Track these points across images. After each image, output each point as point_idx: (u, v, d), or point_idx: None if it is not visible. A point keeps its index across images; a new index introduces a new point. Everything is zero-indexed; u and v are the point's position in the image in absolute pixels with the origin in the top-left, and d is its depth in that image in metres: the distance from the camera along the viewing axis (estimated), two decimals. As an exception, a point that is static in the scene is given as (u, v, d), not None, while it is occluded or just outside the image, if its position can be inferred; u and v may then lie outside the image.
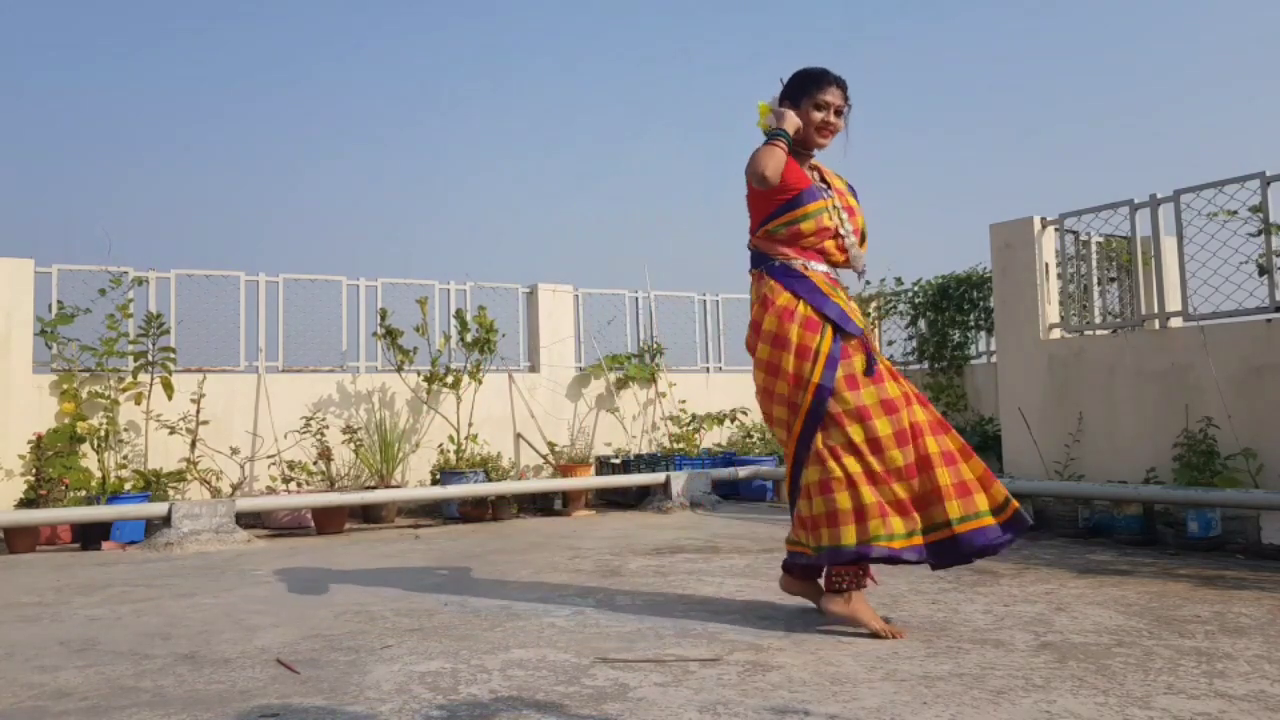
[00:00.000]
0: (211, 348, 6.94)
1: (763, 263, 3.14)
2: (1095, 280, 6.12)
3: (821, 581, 3.18)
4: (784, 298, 3.03)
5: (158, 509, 5.53)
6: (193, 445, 6.45)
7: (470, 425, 7.42)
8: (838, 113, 3.16)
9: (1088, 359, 5.76)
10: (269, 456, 6.77)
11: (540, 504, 7.09)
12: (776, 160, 2.97)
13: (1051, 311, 6.07)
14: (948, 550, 2.86)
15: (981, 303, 7.68)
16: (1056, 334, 6.06)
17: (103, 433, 6.17)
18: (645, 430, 8.35)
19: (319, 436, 6.76)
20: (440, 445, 7.28)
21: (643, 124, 21.17)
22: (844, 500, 2.84)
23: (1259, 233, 4.95)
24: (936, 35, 19.94)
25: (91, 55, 17.83)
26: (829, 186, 3.19)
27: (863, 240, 3.25)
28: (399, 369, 7.27)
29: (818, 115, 3.13)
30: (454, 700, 2.28)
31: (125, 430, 6.41)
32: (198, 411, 6.46)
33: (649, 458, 7.69)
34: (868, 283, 8.92)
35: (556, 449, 7.75)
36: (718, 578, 3.96)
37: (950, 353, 7.89)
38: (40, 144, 17.48)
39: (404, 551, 5.14)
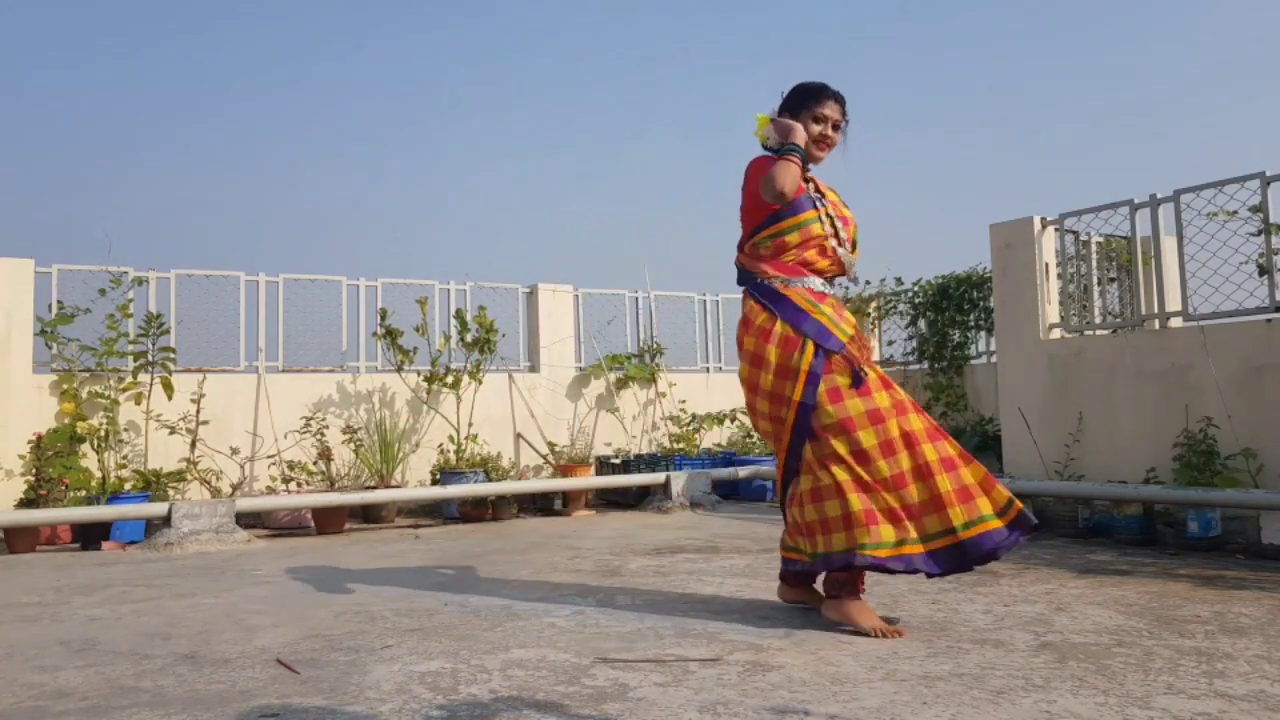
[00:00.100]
0: (211, 348, 6.95)
1: (746, 281, 3.20)
2: (1095, 280, 6.12)
3: (819, 587, 3.21)
4: (762, 318, 3.09)
5: (158, 509, 5.53)
6: (193, 445, 6.45)
7: (470, 425, 7.42)
8: (835, 127, 3.20)
9: (1088, 359, 5.76)
10: (269, 456, 6.77)
11: (540, 504, 7.09)
12: (793, 176, 2.98)
13: (1051, 311, 6.07)
14: (953, 557, 2.85)
15: (981, 303, 7.68)
16: (1056, 334, 6.06)
17: (103, 433, 6.17)
18: (645, 430, 8.36)
19: (319, 436, 6.76)
20: (440, 445, 7.28)
21: (643, 124, 21.18)
22: (833, 508, 2.89)
23: (1259, 233, 4.95)
24: (936, 35, 19.95)
25: (91, 55, 17.84)
26: (823, 196, 3.22)
27: (854, 248, 3.27)
28: (399, 369, 7.27)
29: (816, 128, 3.17)
30: (454, 700, 2.28)
31: (125, 430, 6.41)
32: (198, 411, 6.46)
33: (649, 458, 7.69)
34: (867, 283, 8.93)
35: (556, 449, 7.76)
36: (718, 578, 3.96)
37: (950, 353, 7.89)
38: (40, 144, 17.49)
39: (404, 551, 5.14)
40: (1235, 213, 5.05)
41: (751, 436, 8.49)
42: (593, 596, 3.63)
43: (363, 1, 19.53)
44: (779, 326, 3.04)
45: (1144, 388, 5.43)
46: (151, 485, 6.17)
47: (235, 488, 6.48)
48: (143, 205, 17.94)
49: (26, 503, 5.89)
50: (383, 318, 7.30)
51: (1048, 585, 3.68)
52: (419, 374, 7.43)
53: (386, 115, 19.69)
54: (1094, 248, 6.11)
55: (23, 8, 16.29)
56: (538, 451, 7.76)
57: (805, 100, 3.18)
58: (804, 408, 2.96)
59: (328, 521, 6.21)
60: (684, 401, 8.41)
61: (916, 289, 8.39)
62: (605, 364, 8.16)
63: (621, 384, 8.26)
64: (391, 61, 19.98)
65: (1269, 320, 4.91)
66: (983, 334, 7.78)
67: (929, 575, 2.87)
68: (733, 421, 8.53)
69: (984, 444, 6.65)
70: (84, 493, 5.96)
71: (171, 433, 6.41)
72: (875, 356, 9.04)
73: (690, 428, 8.21)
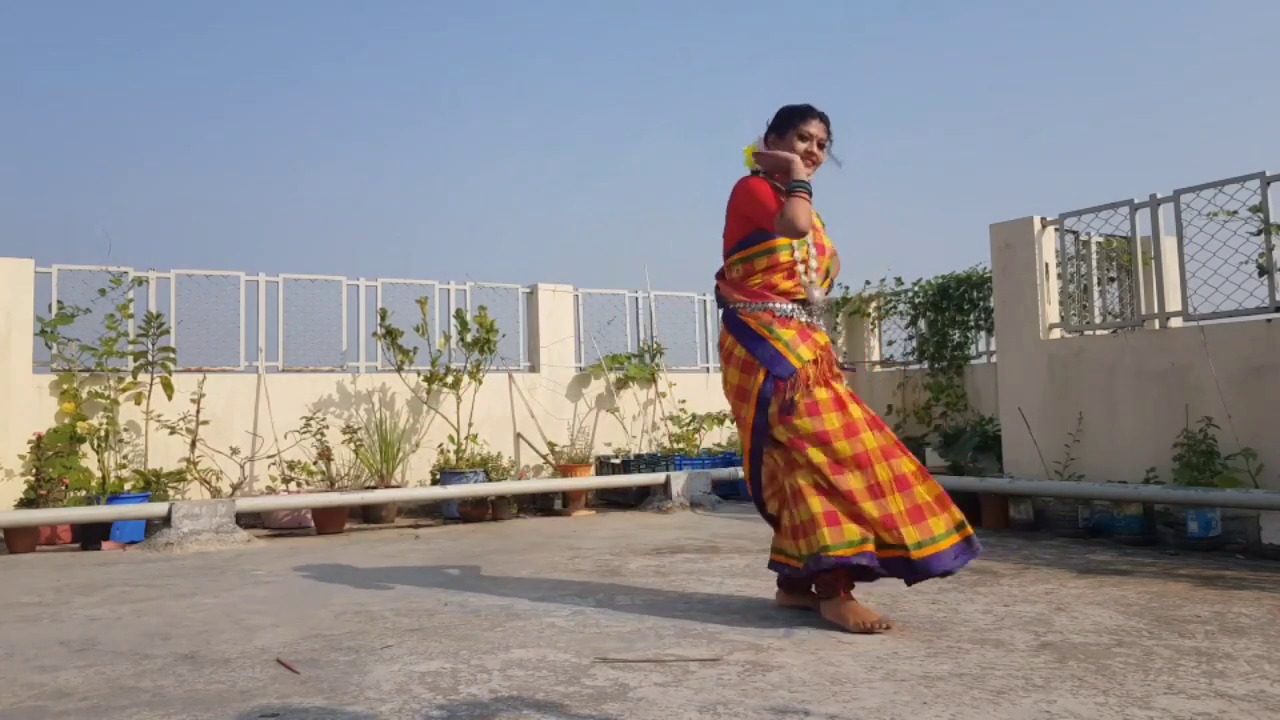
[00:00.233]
0: (211, 348, 6.95)
1: (721, 307, 3.36)
2: (1095, 280, 6.12)
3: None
4: (728, 341, 3.25)
5: (158, 509, 5.53)
6: (193, 445, 6.45)
7: (470, 425, 7.42)
8: (820, 145, 3.30)
9: (1088, 359, 5.76)
10: (269, 456, 6.77)
11: (540, 504, 7.09)
12: (808, 215, 3.07)
13: (1051, 311, 6.07)
14: (902, 569, 2.96)
15: (981, 303, 7.68)
16: (1056, 334, 6.06)
17: (103, 433, 6.17)
18: (645, 430, 8.36)
19: (319, 436, 6.76)
20: (440, 445, 7.28)
21: (643, 124, 21.18)
22: (802, 512, 3.00)
23: (1259, 233, 4.95)
24: (936, 35, 19.95)
25: (91, 55, 17.84)
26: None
27: (826, 277, 3.33)
28: (399, 369, 7.27)
29: (801, 146, 3.26)
30: (454, 700, 2.29)
31: (125, 430, 6.41)
32: (198, 411, 6.46)
33: (649, 458, 7.69)
34: (867, 282, 8.93)
35: (556, 449, 7.76)
36: (718, 578, 3.96)
37: (950, 353, 7.89)
38: (40, 144, 17.49)
39: (404, 551, 5.14)
40: (1235, 213, 5.05)
41: (751, 436, 8.48)
42: (593, 596, 3.63)
43: (363, 1, 19.53)
44: (739, 350, 3.20)
45: (1144, 388, 5.43)
46: (151, 485, 6.17)
47: (235, 488, 6.48)
48: (143, 205, 17.95)
49: (26, 503, 5.89)
50: (383, 318, 7.30)
51: (1048, 585, 3.68)
52: (419, 374, 7.43)
53: (386, 115, 19.70)
54: (1094, 248, 6.11)
55: (23, 8, 16.30)
56: (538, 451, 7.76)
57: (791, 120, 3.28)
58: (756, 430, 3.15)
59: (328, 521, 6.21)
60: (684, 401, 8.41)
61: (916, 289, 8.39)
62: (605, 364, 8.16)
63: (621, 384, 8.26)
64: (391, 61, 19.98)
65: (1269, 320, 4.91)
66: (983, 334, 7.77)
67: (883, 576, 3.00)
68: (733, 422, 8.53)
69: (984, 444, 6.65)
70: (84, 493, 5.95)
71: (171, 433, 6.41)
72: (875, 356, 9.09)
73: (690, 428, 8.21)
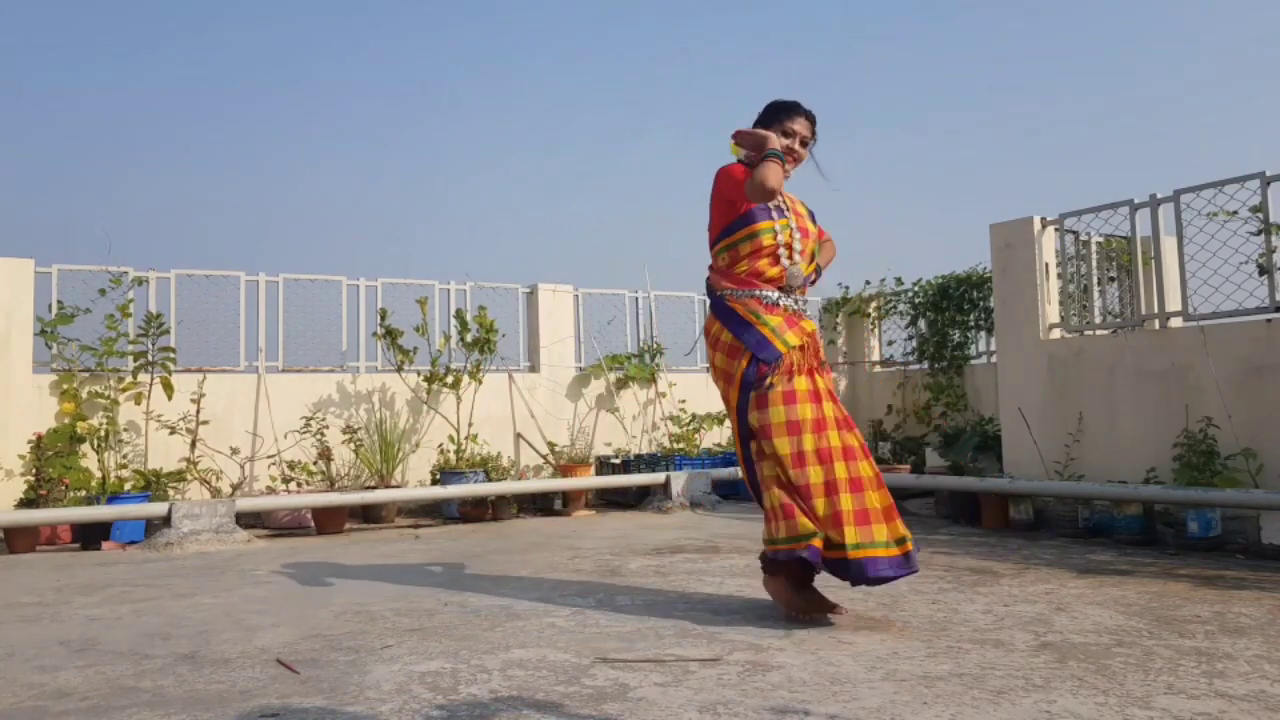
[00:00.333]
0: (211, 348, 6.94)
1: (709, 294, 3.41)
2: (1095, 280, 6.12)
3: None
4: (715, 328, 3.33)
5: (158, 509, 5.53)
6: (193, 445, 6.45)
7: (470, 425, 7.42)
8: (803, 143, 3.37)
9: (1088, 359, 5.76)
10: (269, 456, 6.77)
11: (540, 504, 7.09)
12: (778, 176, 3.13)
13: (1051, 311, 6.07)
14: (839, 568, 3.02)
15: (981, 303, 7.68)
16: (1056, 334, 6.06)
17: (103, 433, 6.17)
18: (645, 430, 8.36)
19: (319, 436, 6.76)
20: (440, 445, 7.28)
21: (643, 124, 21.17)
22: (767, 501, 3.12)
23: (1259, 233, 4.95)
24: (936, 35, 19.94)
25: (91, 55, 17.83)
26: (788, 209, 3.36)
27: (811, 261, 3.40)
28: (399, 369, 7.27)
29: (784, 141, 3.32)
30: (454, 700, 2.29)
31: (125, 430, 6.41)
32: (198, 411, 6.46)
33: (649, 458, 7.69)
34: (867, 282, 8.93)
35: (556, 449, 7.75)
36: (718, 578, 3.96)
37: (950, 353, 7.89)
38: (40, 144, 17.49)
39: (404, 551, 5.14)
40: (1235, 213, 5.05)
41: (751, 436, 8.48)
42: (593, 596, 3.63)
43: (363, 1, 19.53)
44: (725, 336, 3.27)
45: (1144, 388, 5.44)
46: (151, 485, 6.17)
47: (235, 488, 6.47)
48: (143, 205, 17.95)
49: (26, 503, 5.88)
50: (383, 318, 7.30)
51: (1048, 585, 3.68)
52: (419, 374, 7.43)
53: (386, 115, 19.69)
54: (1094, 248, 6.11)
55: (23, 8, 16.29)
56: (538, 451, 7.76)
57: (778, 114, 3.36)
58: (740, 412, 3.22)
59: (328, 521, 6.21)
60: (684, 401, 8.41)
61: (916, 289, 8.40)
62: (605, 364, 8.16)
63: (621, 384, 8.26)
64: (391, 61, 19.98)
65: (1269, 320, 4.91)
66: (983, 334, 7.78)
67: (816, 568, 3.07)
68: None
69: (984, 444, 6.65)
70: (84, 493, 5.95)
71: (171, 433, 6.41)
72: (875, 356, 9.10)
73: (690, 428, 8.21)
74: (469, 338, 7.49)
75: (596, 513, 6.99)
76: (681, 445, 8.01)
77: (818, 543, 2.97)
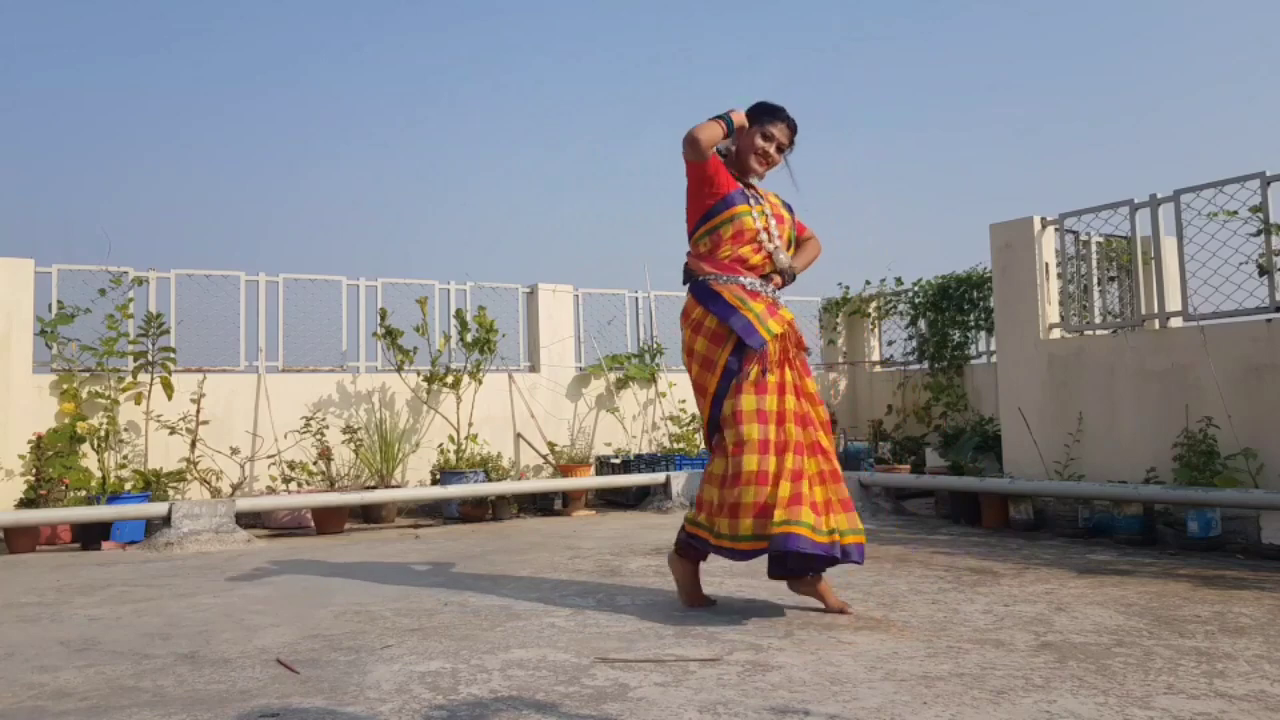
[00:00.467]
0: (211, 348, 6.95)
1: (688, 279, 3.40)
2: (1095, 280, 6.12)
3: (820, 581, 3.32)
4: (697, 312, 3.31)
5: (158, 509, 5.53)
6: (193, 445, 6.45)
7: (470, 425, 7.42)
8: (780, 149, 3.41)
9: (1088, 359, 5.76)
10: (269, 456, 6.77)
11: (540, 504, 7.09)
12: (710, 132, 3.21)
13: (1051, 311, 6.07)
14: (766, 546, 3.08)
15: (981, 303, 7.68)
16: (1056, 334, 6.06)
17: (103, 433, 6.17)
18: (645, 430, 8.35)
19: (319, 436, 6.76)
20: (440, 445, 7.28)
21: (643, 124, 21.17)
22: (711, 495, 3.22)
23: (1259, 233, 4.95)
24: (936, 35, 19.94)
25: (91, 55, 17.82)
26: (762, 198, 3.43)
27: (790, 246, 3.46)
28: (399, 369, 7.27)
29: (760, 143, 3.37)
30: (454, 700, 2.28)
31: (125, 430, 6.41)
32: (198, 411, 6.46)
33: (649, 458, 7.69)
34: (867, 282, 8.93)
35: (556, 449, 7.75)
36: (717, 577, 3.96)
37: (950, 353, 7.89)
38: (40, 144, 17.48)
39: (404, 551, 5.14)
40: (1235, 213, 5.05)
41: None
42: (593, 596, 3.63)
43: (363, 1, 19.52)
44: (710, 321, 3.26)
45: (1144, 388, 5.44)
46: (151, 485, 6.17)
47: (235, 488, 6.47)
48: (143, 205, 17.94)
49: (26, 503, 5.88)
50: (383, 318, 7.30)
51: (1048, 585, 3.68)
52: (419, 374, 7.43)
53: (387, 115, 19.68)
54: (1094, 248, 6.11)
55: (23, 8, 16.29)
56: (538, 451, 7.76)
57: (761, 115, 3.40)
58: (716, 400, 3.25)
59: (328, 521, 6.21)
60: (684, 401, 8.40)
61: (916, 289, 8.40)
62: (605, 364, 8.16)
63: (621, 384, 8.26)
64: (391, 61, 19.97)
65: (1269, 320, 4.91)
66: (983, 334, 7.78)
67: (734, 560, 3.23)
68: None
69: (984, 444, 6.64)
70: (84, 493, 5.95)
71: (171, 433, 6.41)
72: (875, 356, 9.10)
73: (690, 428, 8.21)
74: (469, 338, 7.49)
75: (596, 513, 6.99)
76: (681, 445, 8.01)
77: (742, 544, 3.09)
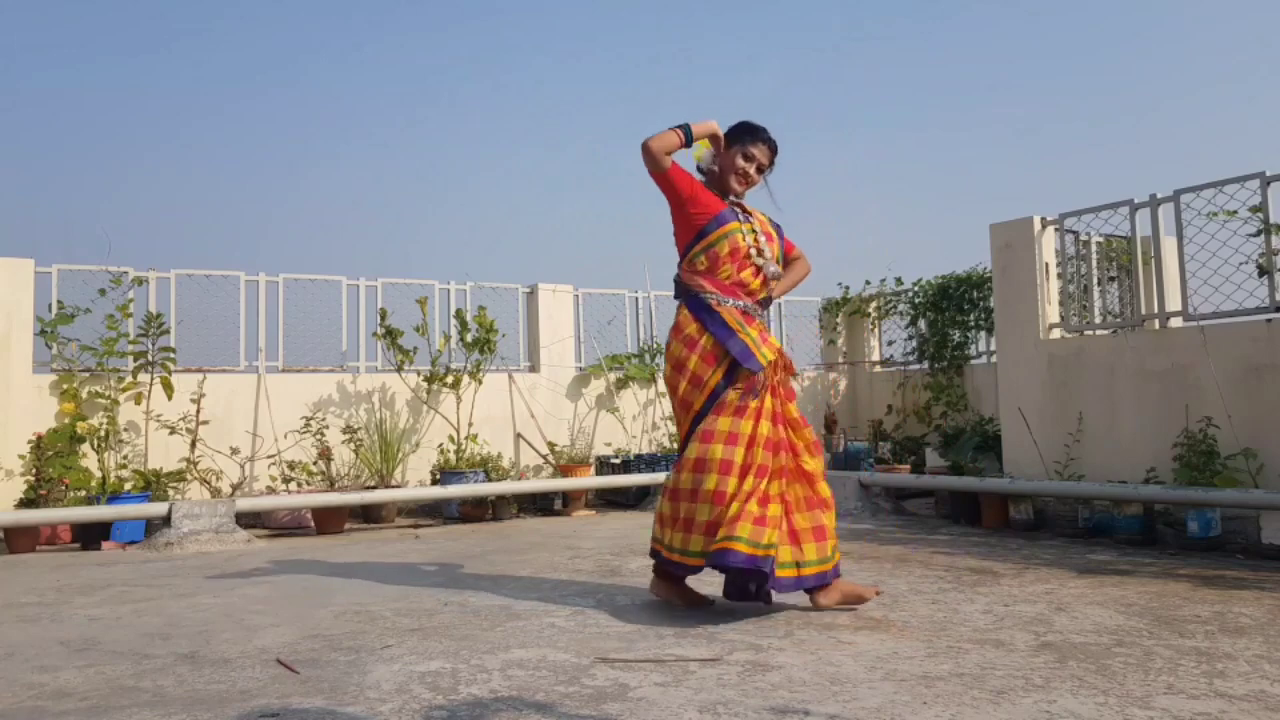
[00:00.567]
0: (211, 348, 6.94)
1: (683, 295, 3.42)
2: (1095, 280, 6.12)
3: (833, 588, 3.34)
4: (692, 328, 3.32)
5: (158, 509, 5.53)
6: (193, 445, 6.45)
7: (470, 425, 7.42)
8: (760, 170, 3.45)
9: (1088, 359, 5.76)
10: (269, 456, 6.76)
11: (540, 504, 7.09)
12: (663, 140, 3.28)
13: (1051, 311, 6.07)
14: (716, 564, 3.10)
15: (981, 303, 7.68)
16: (1056, 334, 6.06)
17: (103, 433, 6.17)
18: (645, 430, 8.35)
19: (319, 436, 6.76)
20: (440, 445, 7.28)
21: (643, 124, 21.16)
22: (663, 506, 3.27)
23: (1259, 233, 4.95)
24: (936, 35, 19.93)
25: (91, 55, 17.82)
26: (749, 215, 3.47)
27: (778, 263, 3.50)
28: (399, 369, 7.27)
29: (741, 163, 3.42)
30: (454, 700, 2.28)
31: (125, 430, 6.41)
32: (198, 411, 6.46)
33: (649, 458, 7.68)
34: (867, 282, 8.92)
35: (556, 449, 7.75)
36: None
37: (950, 353, 7.89)
38: (40, 144, 17.48)
39: (404, 551, 5.14)
40: (1235, 213, 5.05)
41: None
42: (593, 596, 3.63)
43: (363, 1, 19.52)
44: (706, 340, 3.29)
45: (1144, 388, 5.43)
46: (151, 485, 6.17)
47: (235, 488, 6.47)
48: (143, 205, 17.93)
49: (26, 503, 5.88)
50: (383, 318, 7.30)
51: (1048, 585, 3.68)
52: (419, 374, 7.43)
53: (387, 115, 19.67)
54: (1094, 248, 6.11)
55: (23, 8, 16.29)
56: (538, 451, 7.76)
57: (742, 135, 3.44)
58: (698, 417, 3.27)
59: (328, 521, 6.21)
60: (684, 401, 8.40)
61: (916, 289, 8.39)
62: (605, 364, 8.16)
63: (621, 384, 8.26)
64: (391, 61, 19.96)
65: (1269, 320, 4.91)
66: (983, 334, 7.78)
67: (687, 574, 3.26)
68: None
69: (984, 444, 6.64)
70: (84, 493, 5.95)
71: (171, 433, 6.41)
72: (875, 356, 9.10)
73: (690, 428, 8.20)
74: (469, 338, 7.49)
75: (596, 513, 6.99)
76: (681, 445, 8.00)
77: (692, 560, 3.15)
